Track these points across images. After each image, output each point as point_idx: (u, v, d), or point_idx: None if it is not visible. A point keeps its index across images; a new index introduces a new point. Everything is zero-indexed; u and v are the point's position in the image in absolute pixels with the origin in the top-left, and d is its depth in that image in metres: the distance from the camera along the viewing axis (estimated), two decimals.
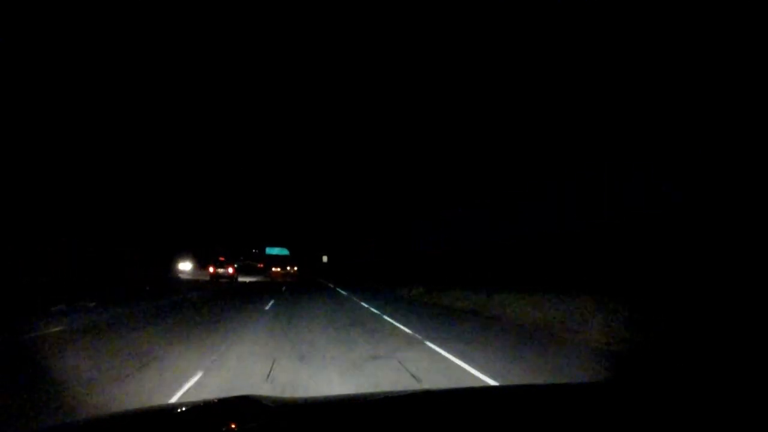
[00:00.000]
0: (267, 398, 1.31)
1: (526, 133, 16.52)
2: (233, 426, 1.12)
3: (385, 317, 10.91)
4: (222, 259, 36.66)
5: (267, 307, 13.02)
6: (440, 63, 24.61)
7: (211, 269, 35.21)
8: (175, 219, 41.97)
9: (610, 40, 12.76)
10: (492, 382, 4.61)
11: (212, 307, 12.61)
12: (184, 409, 1.42)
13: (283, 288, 25.80)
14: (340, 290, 23.51)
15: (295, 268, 68.50)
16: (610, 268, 10.68)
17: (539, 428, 1.10)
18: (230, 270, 34.47)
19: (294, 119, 63.42)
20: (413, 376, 4.90)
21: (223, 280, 33.34)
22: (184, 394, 4.11)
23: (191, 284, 27.16)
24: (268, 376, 4.78)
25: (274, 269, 64.31)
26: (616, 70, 12.56)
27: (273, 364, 5.33)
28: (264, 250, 71.68)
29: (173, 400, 3.96)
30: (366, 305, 14.27)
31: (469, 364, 5.48)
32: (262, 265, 63.25)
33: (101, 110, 30.49)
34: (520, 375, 4.99)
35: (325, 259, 58.01)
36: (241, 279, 38.23)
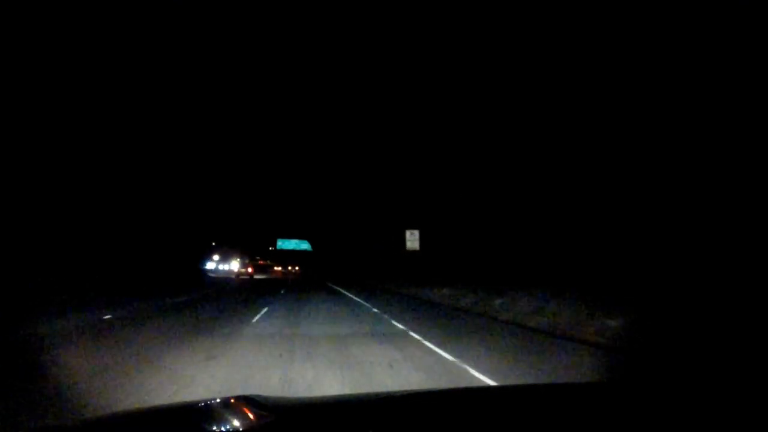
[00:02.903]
0: (267, 398, 1.33)
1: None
2: (233, 426, 1.15)
3: None
4: (239, 260, 48.33)
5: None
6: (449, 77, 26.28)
7: (234, 269, 46.97)
8: (200, 225, 45.48)
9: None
10: None
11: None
12: (184, 409, 1.46)
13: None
14: None
15: (297, 268, 68.44)
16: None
17: (539, 428, 1.12)
18: (249, 269, 46.16)
19: (317, 111, 62.18)
20: None
21: (244, 277, 43.30)
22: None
23: (220, 281, 33.46)
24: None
25: (275, 268, 61.17)
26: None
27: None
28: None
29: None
30: None
31: None
32: (263, 262, 61.33)
33: (130, 112, 33.13)
34: None
35: (412, 242, 23.18)
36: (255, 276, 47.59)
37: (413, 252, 22.56)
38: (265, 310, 11.30)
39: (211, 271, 47.47)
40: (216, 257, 52.92)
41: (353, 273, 44.43)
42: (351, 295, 18.37)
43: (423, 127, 34.96)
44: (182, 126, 43.30)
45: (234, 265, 48.95)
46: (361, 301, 15.15)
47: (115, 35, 33.53)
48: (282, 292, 20.29)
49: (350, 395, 2.24)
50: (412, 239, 22.16)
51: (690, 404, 1.32)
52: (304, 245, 58.71)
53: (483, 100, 27.24)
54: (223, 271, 49.82)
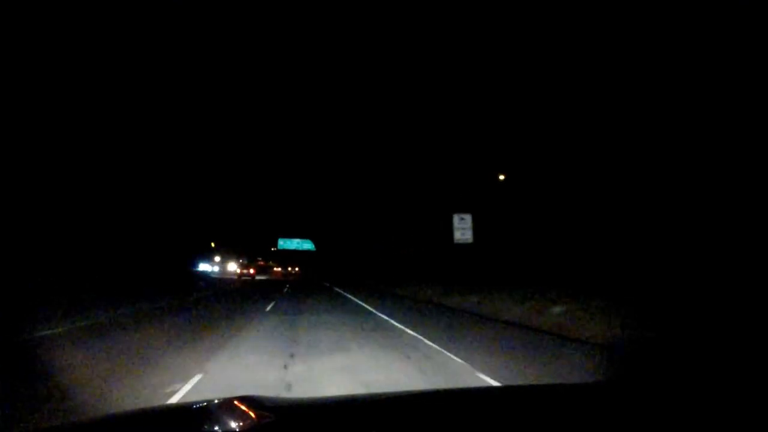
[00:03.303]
0: (267, 398, 1.34)
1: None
2: (235, 426, 1.14)
3: None
4: (241, 261, 51.66)
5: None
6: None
7: (237, 270, 49.07)
8: (198, 226, 44.41)
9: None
10: None
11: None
12: (184, 409, 1.49)
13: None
14: None
15: (297, 269, 68.54)
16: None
17: (540, 428, 1.11)
18: (251, 270, 48.73)
19: (319, 105, 61.38)
20: None
21: (246, 278, 46.08)
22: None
23: (225, 281, 34.21)
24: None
25: (275, 269, 60.83)
26: None
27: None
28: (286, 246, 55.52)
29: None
30: None
31: None
32: (262, 263, 60.03)
33: (130, 112, 32.49)
34: None
35: (463, 231, 14.40)
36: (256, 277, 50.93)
37: (465, 245, 14.23)
38: (206, 369, 5.03)
39: (207, 272, 46.39)
40: (217, 258, 52.42)
41: (361, 275, 38.18)
42: (376, 311, 12.60)
43: (428, 122, 32.99)
44: (182, 126, 43.63)
45: (231, 267, 50.66)
46: (397, 324, 9.48)
47: (115, 35, 34.23)
48: (268, 308, 13.34)
49: (352, 396, 2.07)
50: (463, 227, 13.83)
51: (691, 404, 1.30)
52: (307, 245, 52.52)
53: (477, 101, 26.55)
54: (220, 272, 49.03)
